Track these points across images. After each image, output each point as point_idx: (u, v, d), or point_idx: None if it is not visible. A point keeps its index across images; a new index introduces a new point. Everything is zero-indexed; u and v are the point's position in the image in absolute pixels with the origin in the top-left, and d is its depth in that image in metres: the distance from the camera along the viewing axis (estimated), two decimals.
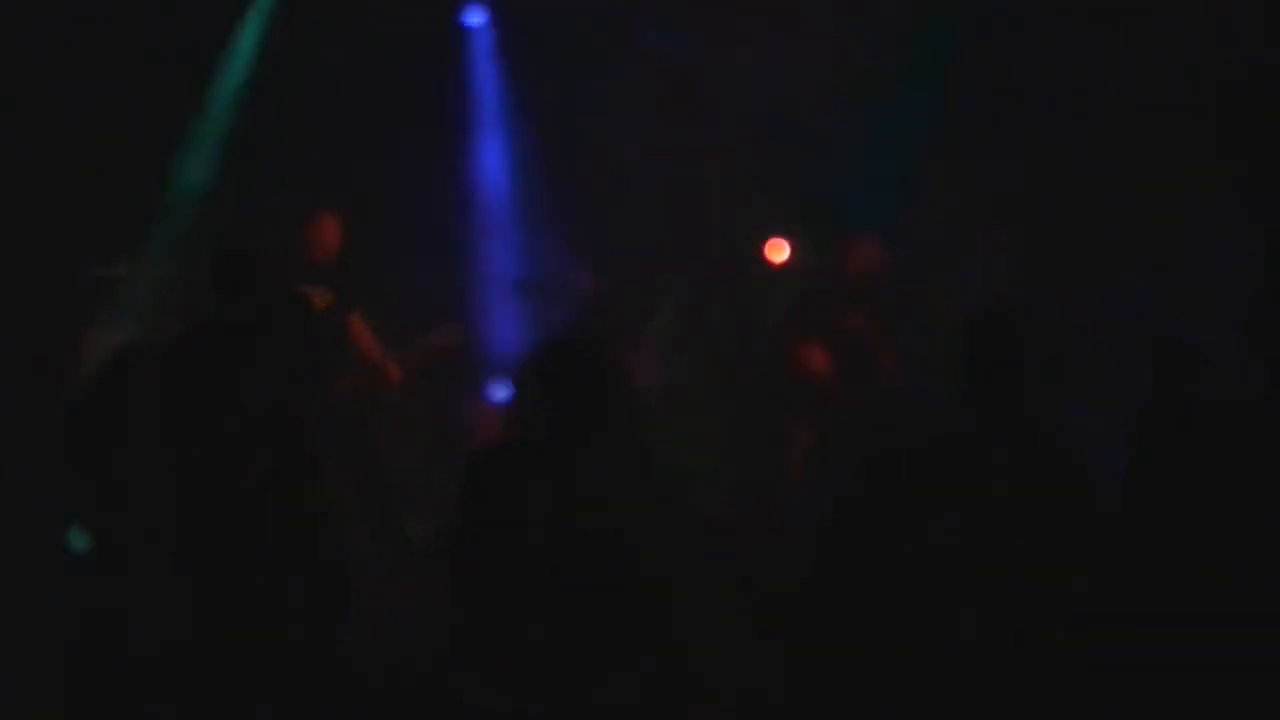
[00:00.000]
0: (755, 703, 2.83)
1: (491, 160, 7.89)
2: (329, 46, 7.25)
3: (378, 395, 6.43)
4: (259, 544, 3.77)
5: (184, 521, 3.93)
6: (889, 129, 7.10)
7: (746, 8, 7.21)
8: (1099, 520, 2.77)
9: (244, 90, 7.18)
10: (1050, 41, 6.90)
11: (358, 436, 6.05)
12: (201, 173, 7.11)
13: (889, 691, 2.65)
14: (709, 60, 7.39)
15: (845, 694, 2.70)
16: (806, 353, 6.53)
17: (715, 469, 7.74)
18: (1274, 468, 3.03)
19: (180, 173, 7.10)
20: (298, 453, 3.91)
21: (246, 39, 7.22)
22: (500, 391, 6.87)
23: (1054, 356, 2.85)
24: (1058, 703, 2.57)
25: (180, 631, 3.46)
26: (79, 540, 3.71)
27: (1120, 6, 6.53)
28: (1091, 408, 3.55)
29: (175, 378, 3.98)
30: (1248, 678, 2.70)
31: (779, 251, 7.10)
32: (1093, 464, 2.86)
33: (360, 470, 5.98)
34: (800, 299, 6.69)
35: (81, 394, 3.80)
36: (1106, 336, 5.32)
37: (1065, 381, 2.88)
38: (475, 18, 7.69)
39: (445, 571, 2.98)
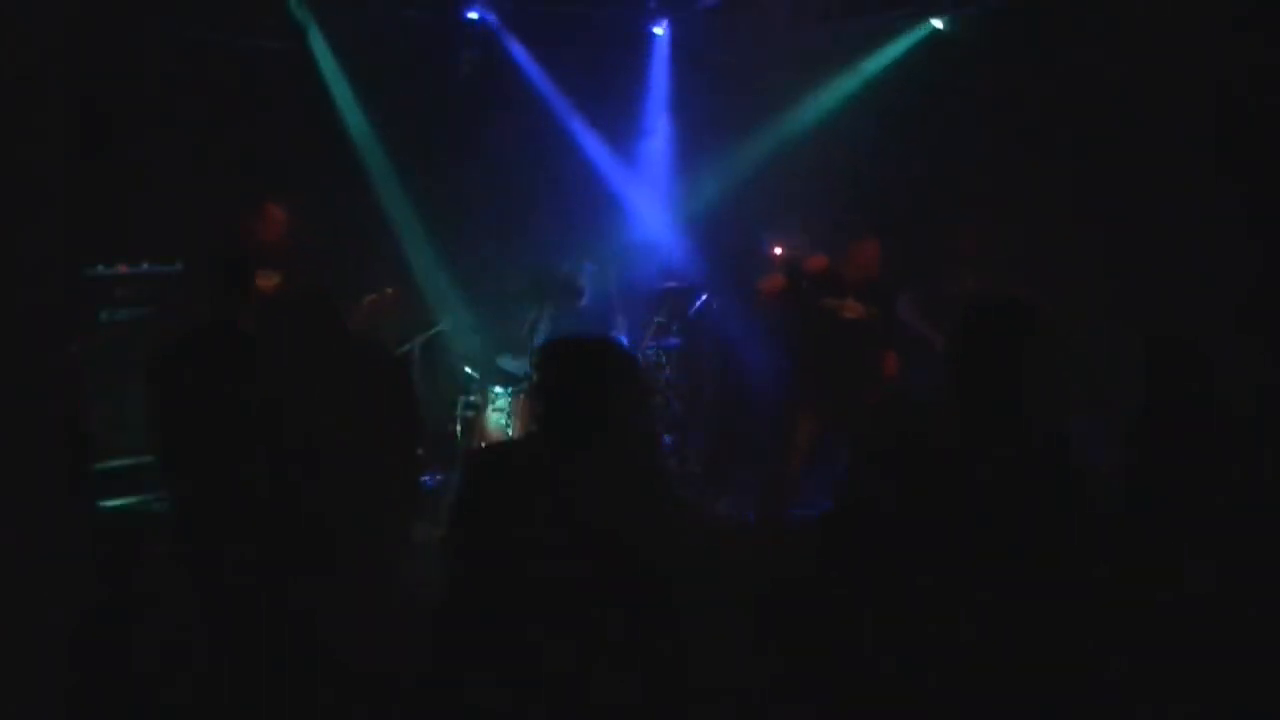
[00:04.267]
0: (755, 703, 2.82)
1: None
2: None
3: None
4: (258, 543, 3.78)
5: (182, 519, 3.94)
6: None
7: None
8: (1099, 522, 2.77)
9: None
10: (1050, 43, 6.92)
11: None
12: None
13: (887, 693, 2.65)
14: None
15: (844, 694, 2.70)
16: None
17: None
18: (1274, 468, 3.04)
19: None
20: (295, 450, 3.92)
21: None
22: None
23: (1053, 354, 2.83)
24: (1059, 705, 2.58)
25: (180, 632, 3.46)
26: None
27: (1120, 7, 6.54)
28: (1090, 408, 3.55)
29: (173, 378, 3.98)
30: (1250, 679, 2.70)
31: (776, 249, 7.27)
32: (1092, 464, 2.85)
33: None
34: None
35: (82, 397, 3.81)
36: (1105, 336, 5.33)
37: (1065, 380, 2.86)
38: (473, 14, 8.21)
39: (445, 571, 2.98)
